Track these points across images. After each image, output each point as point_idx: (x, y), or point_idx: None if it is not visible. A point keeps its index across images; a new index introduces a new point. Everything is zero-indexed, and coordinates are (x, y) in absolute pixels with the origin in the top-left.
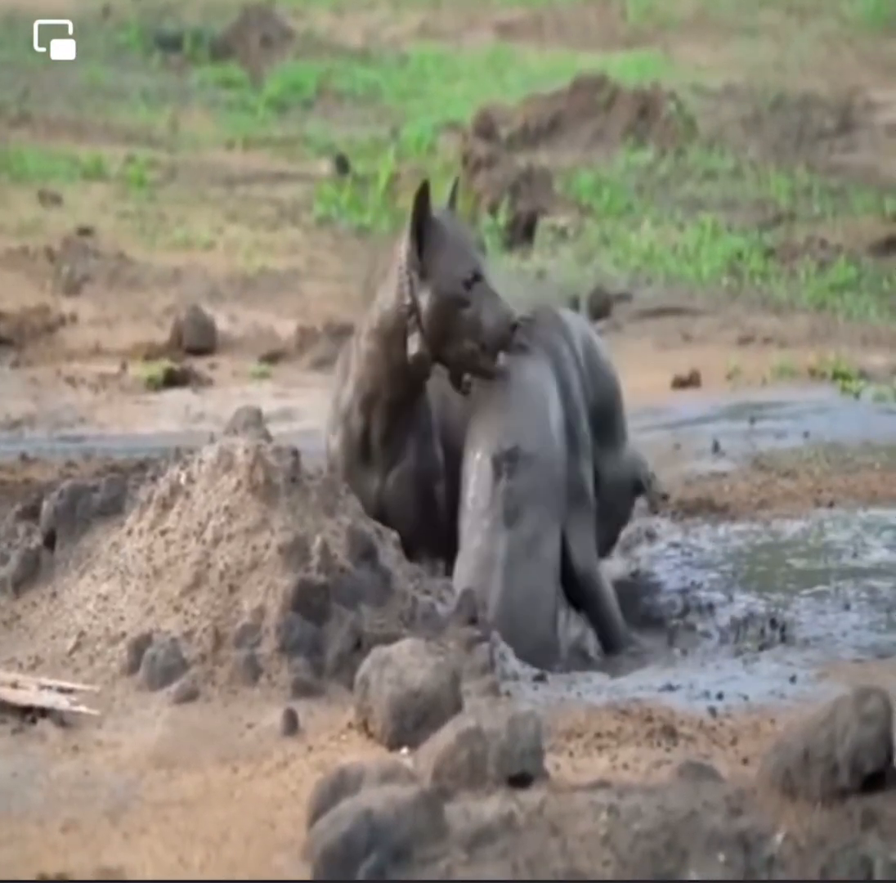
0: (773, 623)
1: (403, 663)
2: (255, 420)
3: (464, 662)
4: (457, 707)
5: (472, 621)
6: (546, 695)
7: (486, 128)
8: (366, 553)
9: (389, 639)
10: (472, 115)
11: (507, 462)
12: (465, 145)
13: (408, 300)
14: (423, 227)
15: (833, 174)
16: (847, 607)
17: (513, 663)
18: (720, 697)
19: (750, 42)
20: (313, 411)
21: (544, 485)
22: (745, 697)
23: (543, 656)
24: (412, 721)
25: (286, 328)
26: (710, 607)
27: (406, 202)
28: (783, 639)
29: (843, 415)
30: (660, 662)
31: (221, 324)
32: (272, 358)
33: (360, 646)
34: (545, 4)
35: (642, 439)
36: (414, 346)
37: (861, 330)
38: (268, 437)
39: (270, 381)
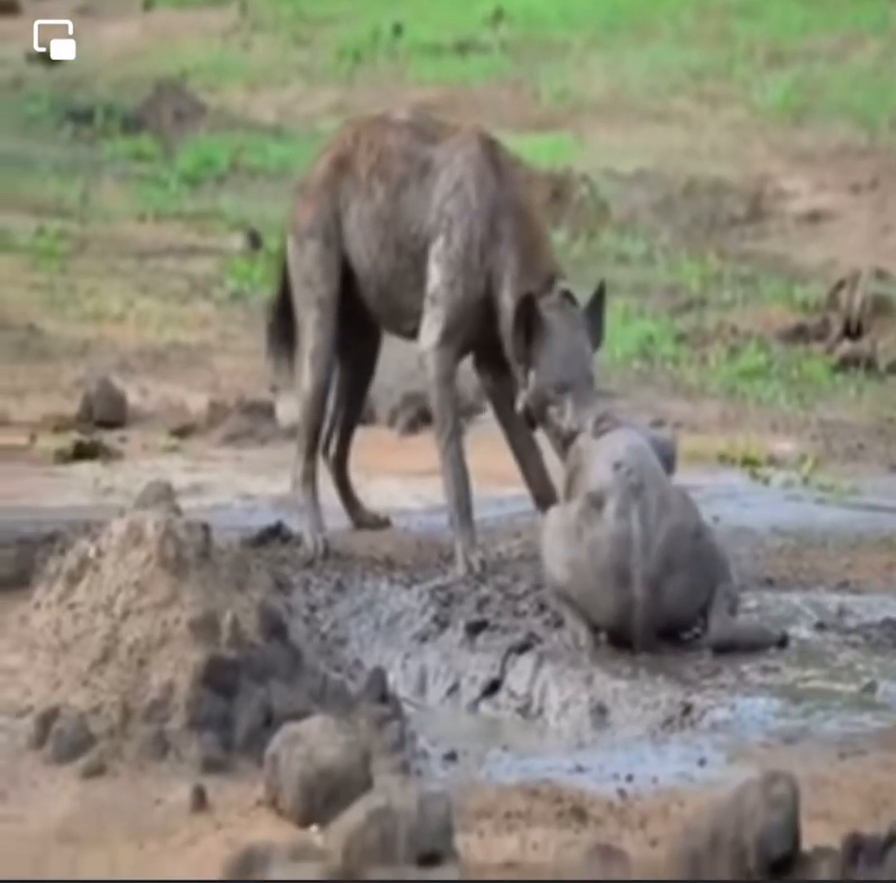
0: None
1: (313, 741)
2: (165, 494)
3: (374, 740)
4: (367, 785)
5: (383, 699)
6: (456, 774)
7: None
8: (276, 629)
9: (299, 715)
10: None
11: None
12: None
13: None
14: (532, 324)
15: (744, 261)
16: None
17: (423, 742)
18: (630, 779)
19: (662, 128)
20: (224, 485)
21: None
22: (655, 780)
23: None
24: (322, 799)
25: (197, 402)
26: None
27: None
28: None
29: (752, 500)
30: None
31: (132, 397)
32: (183, 432)
33: (269, 722)
34: (460, 83)
35: None
36: (519, 402)
37: (770, 416)
38: (178, 512)
39: (181, 455)
